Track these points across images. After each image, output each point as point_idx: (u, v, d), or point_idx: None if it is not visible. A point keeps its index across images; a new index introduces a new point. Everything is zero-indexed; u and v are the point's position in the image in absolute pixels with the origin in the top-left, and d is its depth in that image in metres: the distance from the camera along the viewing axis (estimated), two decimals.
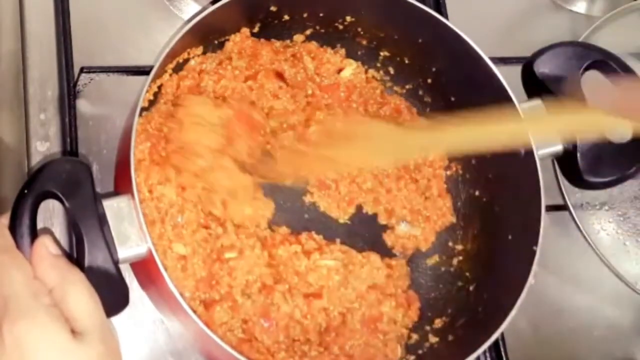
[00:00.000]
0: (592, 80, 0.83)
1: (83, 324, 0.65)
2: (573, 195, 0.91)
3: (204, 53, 0.87)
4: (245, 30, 0.88)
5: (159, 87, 0.85)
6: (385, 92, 0.94)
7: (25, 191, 0.68)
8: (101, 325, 0.66)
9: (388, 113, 0.92)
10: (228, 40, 0.87)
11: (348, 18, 0.89)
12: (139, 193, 0.75)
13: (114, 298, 0.69)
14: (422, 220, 0.91)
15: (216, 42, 0.87)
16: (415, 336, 0.86)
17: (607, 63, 0.85)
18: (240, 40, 0.87)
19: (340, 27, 0.90)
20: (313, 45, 0.91)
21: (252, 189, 0.84)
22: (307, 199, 0.89)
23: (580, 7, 1.09)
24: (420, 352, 0.85)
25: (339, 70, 0.92)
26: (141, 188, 0.79)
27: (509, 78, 0.84)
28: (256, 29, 0.88)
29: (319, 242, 0.86)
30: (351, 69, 0.92)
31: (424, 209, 0.91)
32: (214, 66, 0.87)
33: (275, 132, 0.88)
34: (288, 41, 0.91)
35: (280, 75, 0.89)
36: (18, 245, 0.67)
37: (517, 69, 0.87)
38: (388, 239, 0.90)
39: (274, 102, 0.89)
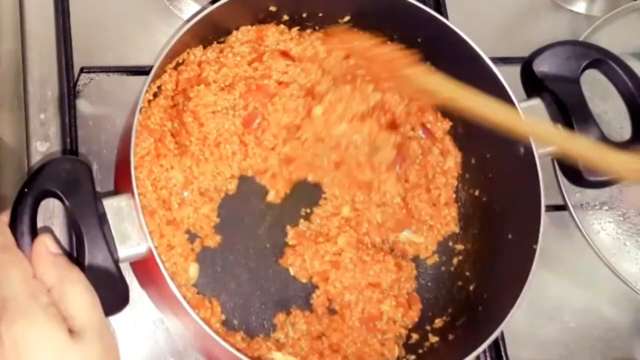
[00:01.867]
0: None
1: (81, 323, 0.65)
2: (573, 195, 0.91)
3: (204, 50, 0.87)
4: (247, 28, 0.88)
5: (159, 87, 0.85)
6: None
7: (26, 190, 0.68)
8: (99, 324, 0.66)
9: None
10: (227, 38, 0.87)
11: (347, 18, 0.89)
12: (141, 188, 0.75)
13: (114, 297, 0.69)
14: (425, 229, 0.90)
15: (215, 42, 0.87)
16: (415, 336, 0.86)
17: (606, 62, 0.85)
18: (242, 35, 0.87)
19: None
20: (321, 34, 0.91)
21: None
22: None
23: (580, 7, 1.09)
24: (420, 351, 0.85)
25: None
26: (143, 183, 0.80)
27: (509, 78, 0.84)
28: None
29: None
30: None
31: (430, 218, 0.90)
32: (215, 56, 0.86)
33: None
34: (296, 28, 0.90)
35: (286, 54, 0.88)
36: (18, 244, 0.68)
37: (517, 69, 0.87)
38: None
39: (283, 77, 0.88)
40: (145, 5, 0.96)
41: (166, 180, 0.82)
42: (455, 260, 0.90)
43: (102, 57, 0.91)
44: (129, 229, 0.71)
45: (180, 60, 0.85)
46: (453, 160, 0.92)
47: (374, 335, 0.84)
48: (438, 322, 0.87)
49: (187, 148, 0.83)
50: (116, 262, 0.70)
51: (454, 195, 0.91)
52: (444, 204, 0.91)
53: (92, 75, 0.87)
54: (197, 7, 0.96)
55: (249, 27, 0.87)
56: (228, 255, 0.85)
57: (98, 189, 0.71)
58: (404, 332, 0.86)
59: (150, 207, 0.80)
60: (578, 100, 0.83)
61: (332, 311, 0.86)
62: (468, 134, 0.91)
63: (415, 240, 0.90)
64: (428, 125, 0.92)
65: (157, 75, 0.83)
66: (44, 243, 0.68)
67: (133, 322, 0.83)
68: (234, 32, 0.87)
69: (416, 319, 0.87)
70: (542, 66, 0.84)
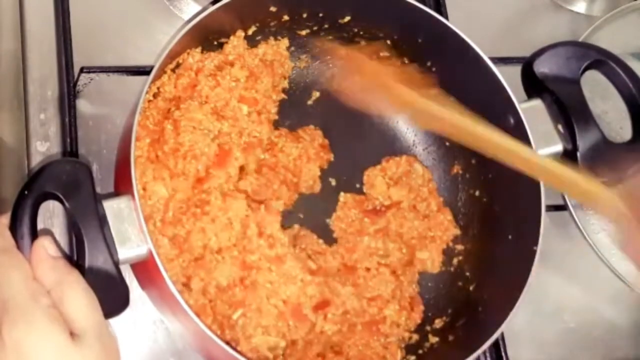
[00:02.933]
0: None
1: (81, 326, 0.65)
2: None
3: (202, 52, 0.86)
4: (241, 34, 0.87)
5: (158, 88, 0.84)
6: None
7: (26, 192, 0.68)
8: (99, 326, 0.66)
9: None
10: (227, 42, 0.87)
11: (347, 18, 0.89)
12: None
13: (114, 299, 0.69)
14: (428, 242, 0.90)
15: (215, 42, 0.87)
16: (415, 336, 0.86)
17: (607, 63, 0.85)
18: (238, 44, 0.87)
19: (340, 27, 0.90)
20: None
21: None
22: None
23: (580, 7, 1.09)
24: (420, 352, 0.85)
25: None
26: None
27: (509, 78, 0.84)
28: (250, 32, 0.88)
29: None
30: None
31: (428, 229, 0.90)
32: (212, 67, 0.86)
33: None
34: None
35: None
36: (18, 246, 0.68)
37: (517, 69, 0.87)
38: None
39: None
40: (145, 5, 0.96)
41: (151, 192, 0.79)
42: (455, 261, 0.90)
43: (102, 57, 0.91)
44: (129, 231, 0.71)
45: (181, 61, 0.85)
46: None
47: (377, 339, 0.84)
48: (438, 323, 0.87)
49: (159, 158, 0.80)
50: (116, 264, 0.70)
51: (442, 199, 0.91)
52: (436, 211, 0.90)
53: (92, 75, 0.87)
54: (198, 8, 0.95)
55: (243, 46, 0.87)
56: None
57: (98, 189, 0.71)
58: (407, 335, 0.86)
59: (144, 212, 0.76)
60: (578, 101, 0.83)
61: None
62: None
63: (421, 256, 0.88)
64: None
65: (157, 76, 0.83)
66: (44, 246, 0.67)
67: (133, 323, 0.83)
68: (230, 40, 0.87)
69: (418, 321, 0.87)
70: (542, 67, 0.84)
